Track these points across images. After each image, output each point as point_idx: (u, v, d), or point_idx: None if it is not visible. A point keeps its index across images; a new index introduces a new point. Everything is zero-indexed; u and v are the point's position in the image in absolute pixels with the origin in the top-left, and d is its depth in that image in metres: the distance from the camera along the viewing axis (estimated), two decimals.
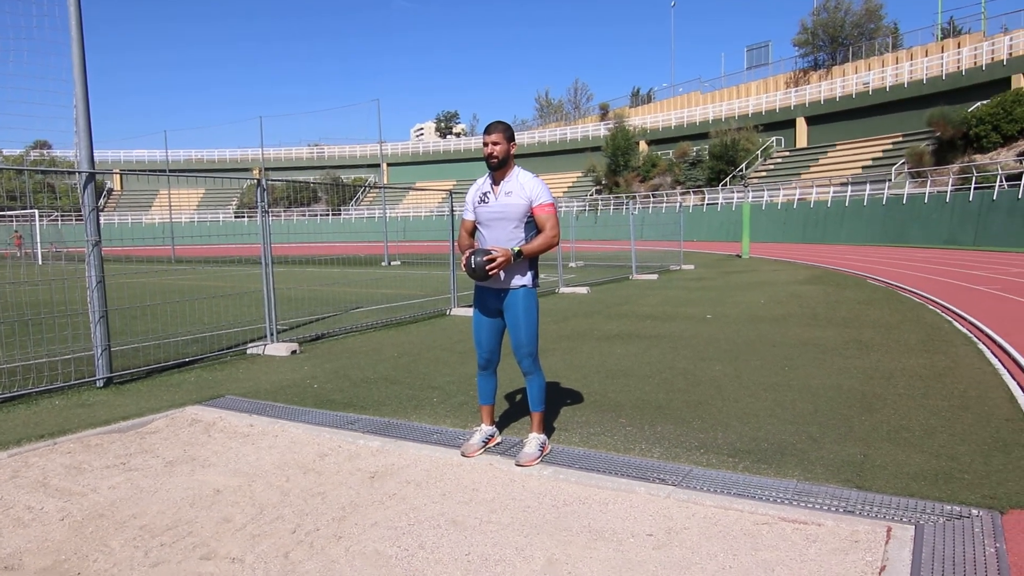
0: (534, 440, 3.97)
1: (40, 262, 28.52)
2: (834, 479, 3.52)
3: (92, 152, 6.04)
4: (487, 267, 3.74)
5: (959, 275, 14.73)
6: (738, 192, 40.29)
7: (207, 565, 2.81)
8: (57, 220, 52.20)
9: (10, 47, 5.94)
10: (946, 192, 28.41)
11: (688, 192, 44.56)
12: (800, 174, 40.90)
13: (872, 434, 4.21)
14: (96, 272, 6.11)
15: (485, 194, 3.95)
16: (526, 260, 3.90)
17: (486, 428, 4.16)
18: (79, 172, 5.96)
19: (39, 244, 30.90)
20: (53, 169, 7.58)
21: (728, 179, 43.90)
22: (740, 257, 24.03)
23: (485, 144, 3.89)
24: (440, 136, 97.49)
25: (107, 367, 6.17)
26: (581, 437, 4.34)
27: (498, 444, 4.19)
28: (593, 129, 58.88)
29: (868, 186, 32.64)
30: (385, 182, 63.80)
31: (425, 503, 3.42)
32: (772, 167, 43.96)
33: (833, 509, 3.16)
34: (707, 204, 41.16)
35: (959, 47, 39.97)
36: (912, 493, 3.31)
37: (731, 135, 44.86)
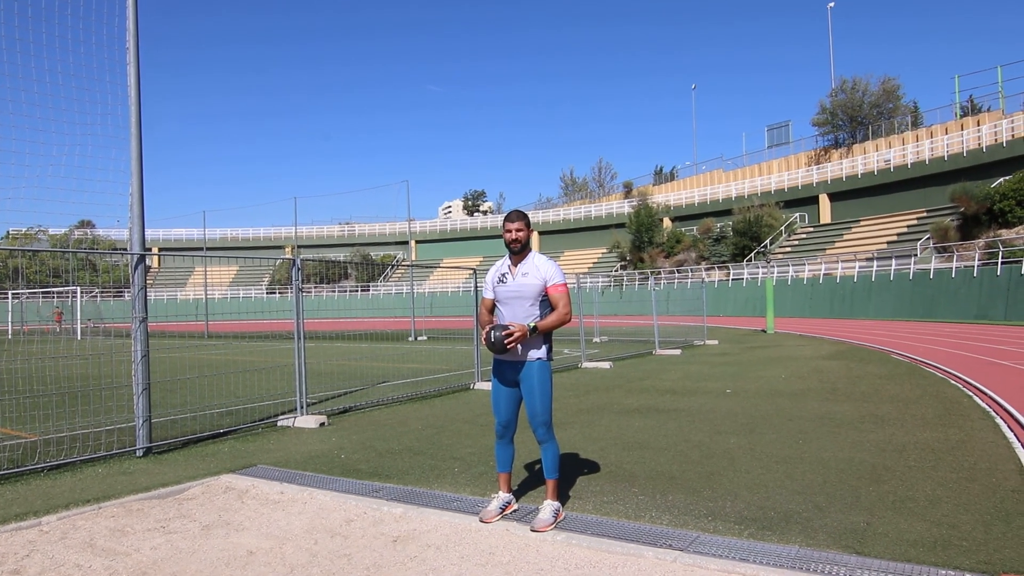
0: (549, 507, 4.17)
1: (79, 337, 29.46)
2: (835, 545, 3.66)
3: (144, 236, 6.57)
4: (505, 341, 4.07)
5: (985, 350, 14.65)
6: (763, 268, 40.47)
7: None
8: (96, 297, 53.97)
9: (76, 140, 6.60)
10: (973, 267, 28.32)
11: (713, 268, 44.85)
12: (825, 249, 41.04)
13: (877, 504, 4.34)
14: (142, 346, 6.53)
15: (504, 275, 4.33)
16: (541, 335, 4.22)
17: (503, 495, 4.38)
18: (131, 253, 6.47)
19: (78, 319, 31.96)
20: (104, 251, 8.15)
21: (752, 255, 44.17)
22: (765, 332, 24.02)
23: (508, 231, 4.31)
24: (468, 214, 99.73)
25: (147, 437, 6.50)
26: (595, 505, 4.53)
27: (515, 511, 4.39)
28: (617, 206, 59.97)
29: (894, 261, 32.64)
30: (413, 259, 65.13)
31: (444, 565, 3.62)
32: (796, 243, 44.20)
33: (831, 574, 3.31)
34: (732, 279, 41.34)
35: (979, 124, 40.54)
36: (910, 559, 3.44)
37: (754, 211, 45.42)
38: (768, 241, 44.48)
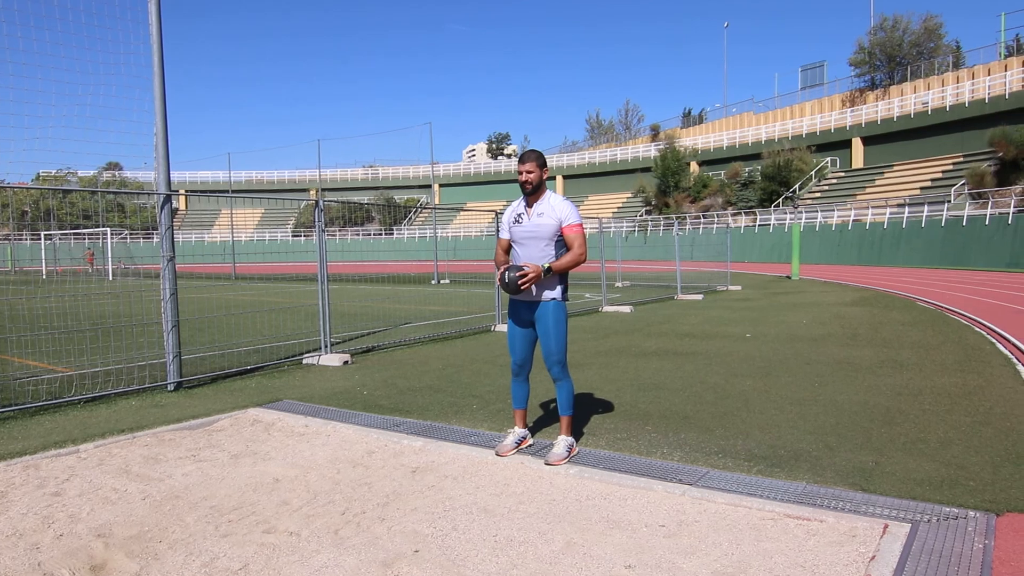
0: (563, 442, 4.29)
1: (110, 277, 30.14)
2: (842, 483, 3.74)
3: (169, 176, 6.67)
4: (519, 281, 4.11)
5: (1014, 298, 14.42)
6: (791, 213, 39.83)
7: (269, 537, 3.23)
8: (126, 238, 54.88)
9: (100, 80, 6.65)
10: (1008, 214, 27.62)
11: (740, 213, 44.23)
12: (856, 195, 40.20)
13: (888, 445, 4.40)
14: (170, 285, 6.71)
15: (519, 215, 4.34)
16: (555, 275, 4.26)
17: (519, 431, 4.50)
18: (157, 194, 6.58)
19: (109, 260, 32.64)
20: (132, 191, 8.29)
21: (781, 200, 43.43)
22: (790, 279, 23.82)
23: (520, 172, 4.29)
24: (492, 157, 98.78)
25: (178, 372, 6.73)
26: (608, 442, 4.64)
27: (530, 446, 4.52)
28: (644, 150, 59.00)
29: (927, 207, 31.92)
30: (436, 203, 65.06)
31: (460, 494, 3.77)
32: (827, 188, 43.31)
33: (836, 508, 3.39)
34: (759, 225, 40.78)
35: (1023, 65, 38.87)
36: (914, 496, 3.51)
37: (784, 156, 44.44)
38: (797, 186, 43.63)
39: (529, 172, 4.25)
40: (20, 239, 49.34)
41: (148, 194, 6.69)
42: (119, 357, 8.35)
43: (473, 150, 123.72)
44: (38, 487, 3.99)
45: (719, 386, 6.35)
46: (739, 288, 19.58)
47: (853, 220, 35.29)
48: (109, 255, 33.88)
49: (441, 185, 68.93)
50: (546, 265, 4.17)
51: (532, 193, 4.28)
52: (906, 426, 4.84)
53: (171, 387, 6.69)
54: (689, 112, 65.30)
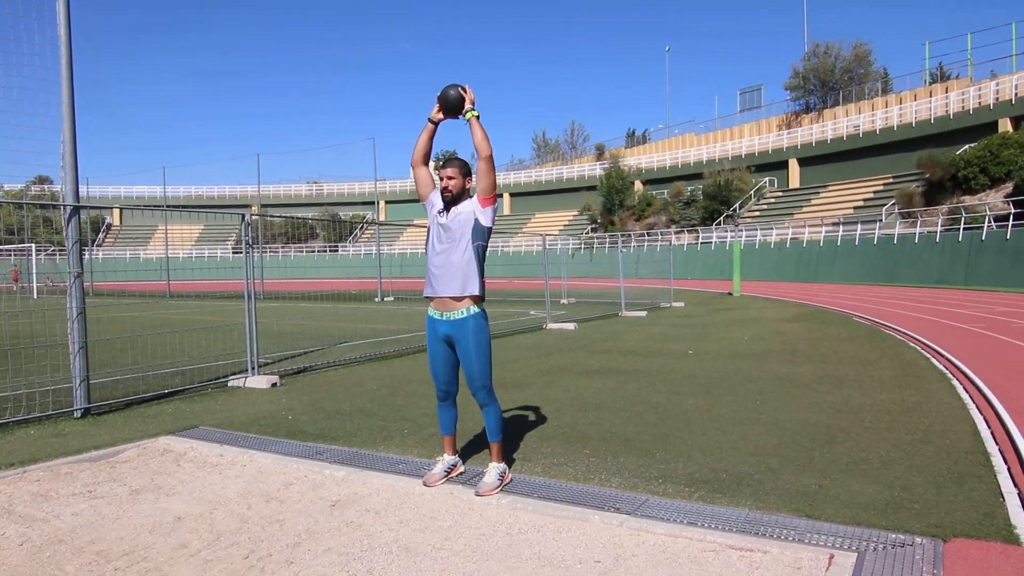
0: (494, 470, 4.01)
1: (35, 296, 28.55)
2: (785, 508, 3.57)
3: (77, 186, 6.18)
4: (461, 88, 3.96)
5: (945, 314, 14.84)
6: (732, 231, 40.67)
7: None
8: (56, 254, 52.40)
9: (3, 83, 6.14)
10: (936, 232, 28.71)
11: (683, 231, 44.95)
12: (793, 214, 41.33)
13: (831, 466, 4.27)
14: (77, 303, 6.20)
15: (440, 211, 4.06)
16: (470, 262, 3.95)
17: (448, 458, 4.21)
18: (64, 205, 6.09)
19: (35, 278, 30.98)
20: (38, 202, 7.72)
21: (722, 218, 44.34)
22: (731, 295, 24.17)
23: (441, 178, 4.02)
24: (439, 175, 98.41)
25: (85, 398, 6.21)
26: (543, 467, 4.39)
27: (461, 473, 4.24)
28: (589, 169, 59.60)
29: (859, 226, 32.97)
30: (380, 219, 64.28)
31: (381, 530, 3.46)
32: (765, 207, 44.43)
33: (780, 537, 3.21)
34: (701, 243, 41.49)
35: (947, 92, 40.73)
36: (860, 522, 3.36)
37: (725, 175, 45.46)
38: (738, 205, 44.64)
39: (450, 178, 3.98)
40: None
41: (55, 205, 6.18)
42: (28, 380, 7.71)
43: None
44: None
45: (661, 405, 6.18)
46: (682, 305, 19.71)
47: (791, 238, 36.21)
48: (34, 272, 32.19)
49: (388, 201, 68.19)
50: (475, 111, 3.95)
51: (452, 203, 4.00)
52: (848, 445, 4.74)
53: (78, 414, 6.16)
54: (633, 132, 66.39)
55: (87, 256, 50.26)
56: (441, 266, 3.98)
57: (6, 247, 41.09)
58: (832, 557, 3.00)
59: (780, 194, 45.61)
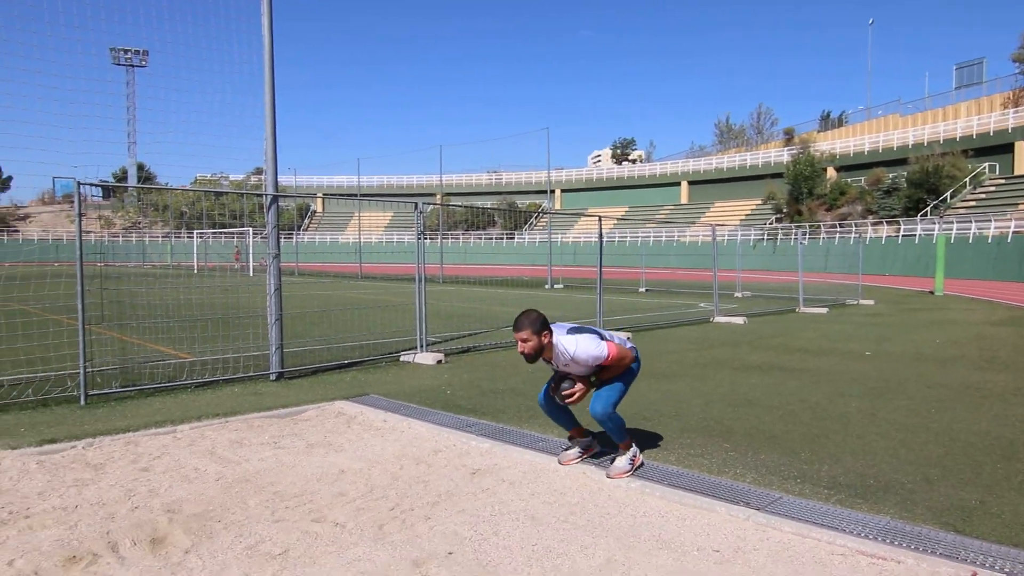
0: (624, 455, 4.10)
1: (251, 274, 32.47)
2: (933, 521, 3.34)
3: (276, 178, 7.06)
4: (566, 400, 4.04)
5: None
6: (939, 223, 36.60)
7: (315, 526, 3.30)
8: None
9: (218, 88, 7.17)
10: None
11: (880, 222, 41.16)
12: (1018, 204, 36.31)
13: (1001, 483, 3.89)
14: (275, 281, 7.09)
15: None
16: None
17: (582, 440, 4.36)
18: (265, 195, 6.99)
19: (251, 258, 35.19)
20: (243, 191, 8.85)
21: (928, 209, 40.02)
22: (932, 294, 21.87)
23: (516, 341, 4.01)
24: (616, 162, 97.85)
25: (279, 363, 7.10)
26: (678, 457, 4.41)
27: (595, 454, 4.38)
28: (776, 155, 56.26)
29: None
30: (554, 208, 65.20)
31: (513, 499, 3.70)
32: (983, 196, 39.42)
33: (919, 549, 3.03)
34: (902, 236, 37.76)
35: None
36: (1018, 543, 3.07)
37: (934, 160, 40.90)
38: (948, 194, 40.03)
39: (525, 341, 3.90)
40: (179, 237, 54.41)
41: (258, 194, 7.10)
42: (236, 346, 8.93)
43: (599, 156, 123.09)
44: (132, 462, 4.31)
45: (819, 405, 5.89)
46: (871, 302, 18.19)
47: (1013, 231, 31.87)
48: (251, 253, 36.54)
49: (563, 190, 69.01)
50: (593, 379, 4.08)
51: (534, 360, 3.99)
52: None
53: (273, 376, 7.07)
54: (828, 115, 61.71)
55: (293, 240, 56.04)
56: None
57: (229, 231, 46.90)
58: (975, 575, 2.79)
59: (1002, 181, 40.21)
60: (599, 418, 4.02)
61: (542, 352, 3.97)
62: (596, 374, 4.10)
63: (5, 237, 59.76)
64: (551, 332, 3.96)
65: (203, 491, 3.80)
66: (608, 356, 3.96)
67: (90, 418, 5.39)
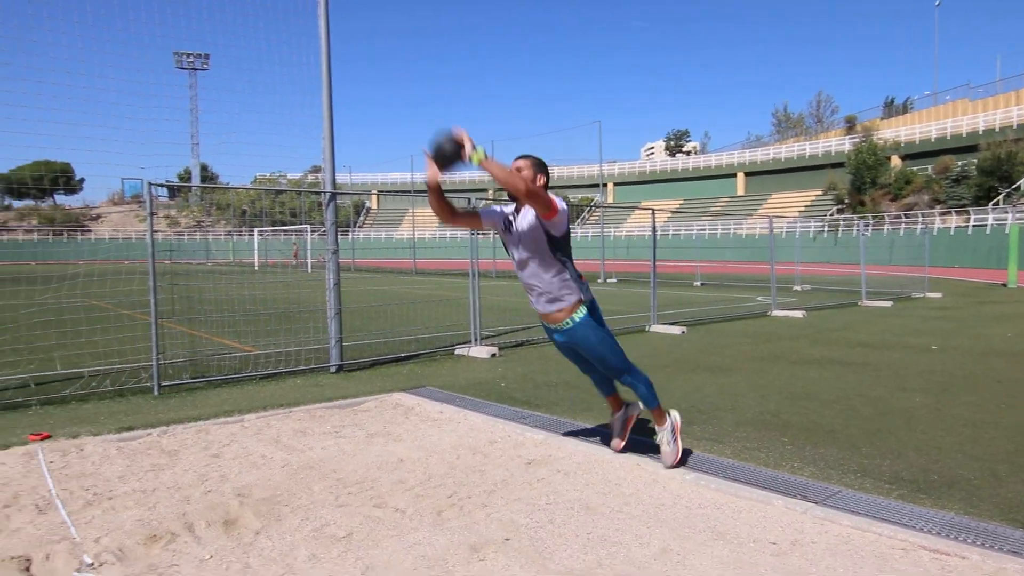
0: (663, 434, 4.04)
1: (309, 270, 33.30)
2: (1001, 517, 3.25)
3: (334, 176, 7.26)
4: (453, 136, 3.58)
5: None
6: (1013, 212, 34.95)
7: (377, 511, 3.42)
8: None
9: (275, 89, 7.41)
10: None
11: (949, 212, 39.55)
12: None
13: None
14: (334, 276, 7.30)
15: (509, 221, 3.97)
16: (560, 280, 3.86)
17: (618, 414, 4.37)
18: (324, 192, 7.19)
19: (309, 254, 36.12)
20: (301, 189, 9.11)
21: (1000, 197, 38.25)
22: (1005, 286, 20.96)
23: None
24: (670, 155, 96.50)
25: (339, 356, 7.32)
26: (734, 450, 4.39)
27: (639, 415, 4.37)
28: (837, 144, 54.60)
29: None
30: (607, 201, 64.73)
31: (567, 489, 3.76)
32: None
33: (985, 545, 2.96)
34: (973, 226, 36.20)
35: None
36: None
37: (1007, 147, 39.06)
38: (1022, 182, 38.17)
39: (520, 169, 3.76)
40: (240, 235, 56.16)
41: (316, 192, 7.31)
42: (297, 339, 9.23)
43: (652, 148, 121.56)
44: (203, 449, 4.53)
45: (881, 400, 5.75)
46: (939, 295, 17.55)
47: None
48: (309, 249, 37.48)
49: (616, 183, 68.46)
50: (480, 150, 3.54)
51: (520, 192, 3.59)
52: None
53: (333, 369, 7.29)
54: (892, 101, 59.65)
55: (349, 236, 57.20)
56: (532, 284, 3.94)
57: (289, 227, 48.18)
58: None
59: None
60: (617, 372, 4.04)
61: (534, 183, 3.72)
62: (558, 271, 3.84)
63: (79, 236, 62.75)
64: (547, 182, 3.83)
65: (270, 477, 3.97)
66: (558, 209, 3.73)
67: (163, 407, 5.68)
